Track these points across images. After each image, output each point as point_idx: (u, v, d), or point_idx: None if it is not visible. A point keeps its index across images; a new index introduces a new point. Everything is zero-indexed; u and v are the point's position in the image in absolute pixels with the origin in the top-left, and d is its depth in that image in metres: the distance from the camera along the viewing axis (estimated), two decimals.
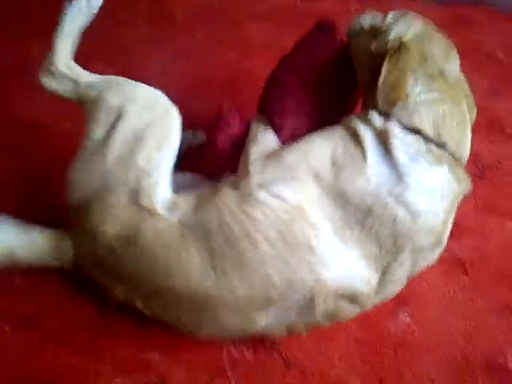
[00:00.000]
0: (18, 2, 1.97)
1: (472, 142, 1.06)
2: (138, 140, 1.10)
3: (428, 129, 1.01)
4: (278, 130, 1.16)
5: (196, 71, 1.95)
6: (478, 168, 1.51)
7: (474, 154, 1.10)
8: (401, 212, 0.99)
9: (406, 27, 1.08)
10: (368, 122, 1.05)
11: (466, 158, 1.06)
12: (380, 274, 1.03)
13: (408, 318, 1.21)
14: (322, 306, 1.02)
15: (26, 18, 1.90)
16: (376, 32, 1.12)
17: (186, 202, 1.09)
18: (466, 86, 1.11)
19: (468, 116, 1.06)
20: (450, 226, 1.05)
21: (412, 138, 1.01)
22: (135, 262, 1.06)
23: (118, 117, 1.11)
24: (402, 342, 1.18)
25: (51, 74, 1.17)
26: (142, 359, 1.15)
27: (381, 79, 1.02)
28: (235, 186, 1.08)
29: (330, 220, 1.02)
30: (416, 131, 1.01)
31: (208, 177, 1.21)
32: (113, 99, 1.12)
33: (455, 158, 1.03)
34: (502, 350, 1.13)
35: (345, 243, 1.01)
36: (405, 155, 1.00)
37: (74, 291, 1.26)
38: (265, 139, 1.15)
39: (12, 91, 1.64)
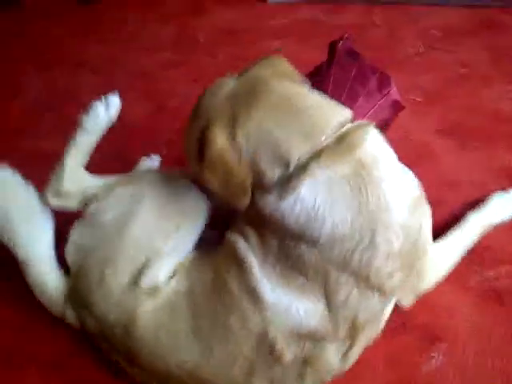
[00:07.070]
0: None
1: None
2: (157, 220, 1.05)
3: None
4: None
5: None
6: None
7: None
8: None
9: None
10: None
11: None
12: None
13: (441, 357, 1.10)
14: (287, 354, 0.95)
15: None
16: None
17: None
18: None
19: None
20: None
21: None
22: (137, 348, 1.00)
23: (133, 202, 1.07)
24: None
25: (58, 192, 1.10)
26: None
27: None
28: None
29: None
30: None
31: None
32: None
33: None
34: None
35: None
36: None
37: None
38: None
39: None
